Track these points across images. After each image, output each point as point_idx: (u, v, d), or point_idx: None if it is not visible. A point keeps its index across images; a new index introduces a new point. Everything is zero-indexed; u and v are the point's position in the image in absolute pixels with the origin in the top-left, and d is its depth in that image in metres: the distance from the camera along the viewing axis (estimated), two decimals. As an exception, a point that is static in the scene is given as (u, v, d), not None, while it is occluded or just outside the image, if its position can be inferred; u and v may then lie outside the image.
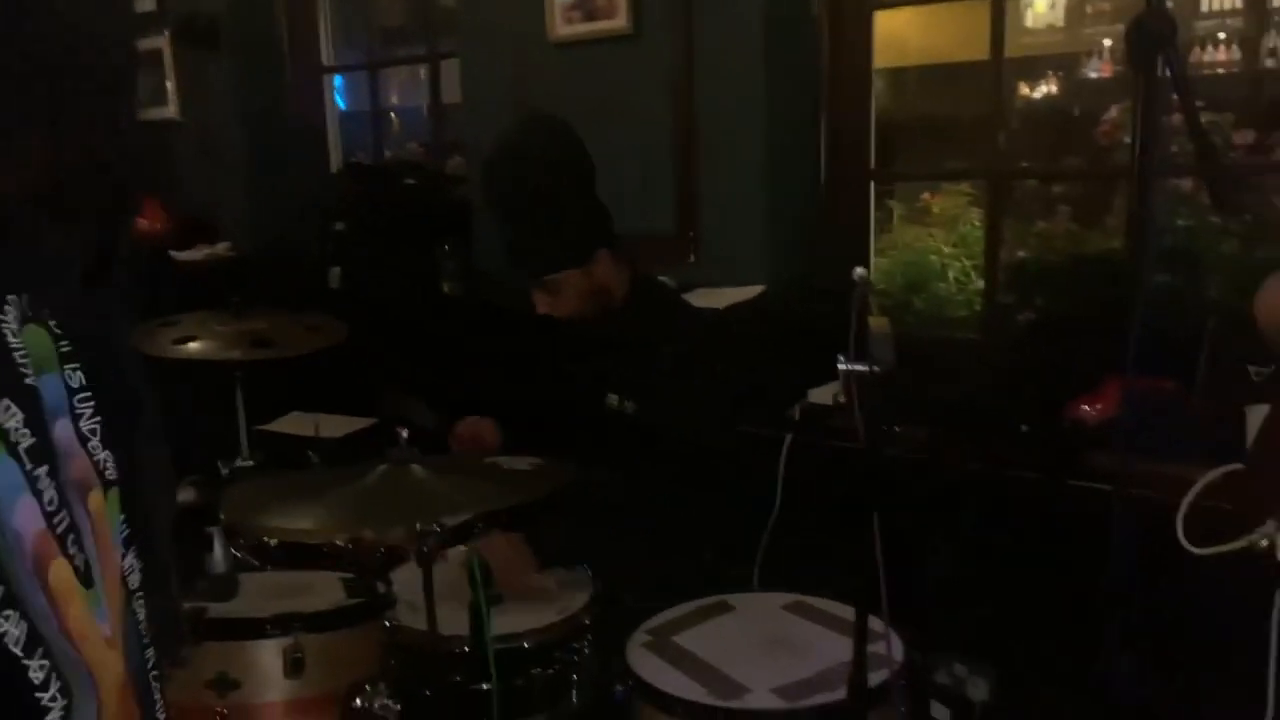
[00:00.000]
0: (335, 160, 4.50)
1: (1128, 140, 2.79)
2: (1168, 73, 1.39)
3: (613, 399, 2.05)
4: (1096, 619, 1.78)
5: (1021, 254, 3.06)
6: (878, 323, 1.32)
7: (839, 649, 1.65)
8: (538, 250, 1.99)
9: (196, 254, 4.44)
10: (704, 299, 2.81)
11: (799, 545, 2.52)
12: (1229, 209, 1.77)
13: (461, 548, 1.74)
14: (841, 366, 1.30)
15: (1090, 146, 3.01)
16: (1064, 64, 3.80)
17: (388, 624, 1.66)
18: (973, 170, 3.13)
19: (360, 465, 1.50)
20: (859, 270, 1.52)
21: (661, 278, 2.42)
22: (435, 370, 3.22)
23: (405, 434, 1.46)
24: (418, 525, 1.33)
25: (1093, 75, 3.89)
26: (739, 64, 2.92)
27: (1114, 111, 2.92)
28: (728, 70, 2.94)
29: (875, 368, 1.28)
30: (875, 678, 1.43)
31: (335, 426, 2.98)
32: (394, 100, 5.73)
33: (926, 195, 3.44)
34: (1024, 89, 3.79)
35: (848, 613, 1.76)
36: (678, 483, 1.95)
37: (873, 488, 1.29)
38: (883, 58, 3.01)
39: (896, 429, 2.38)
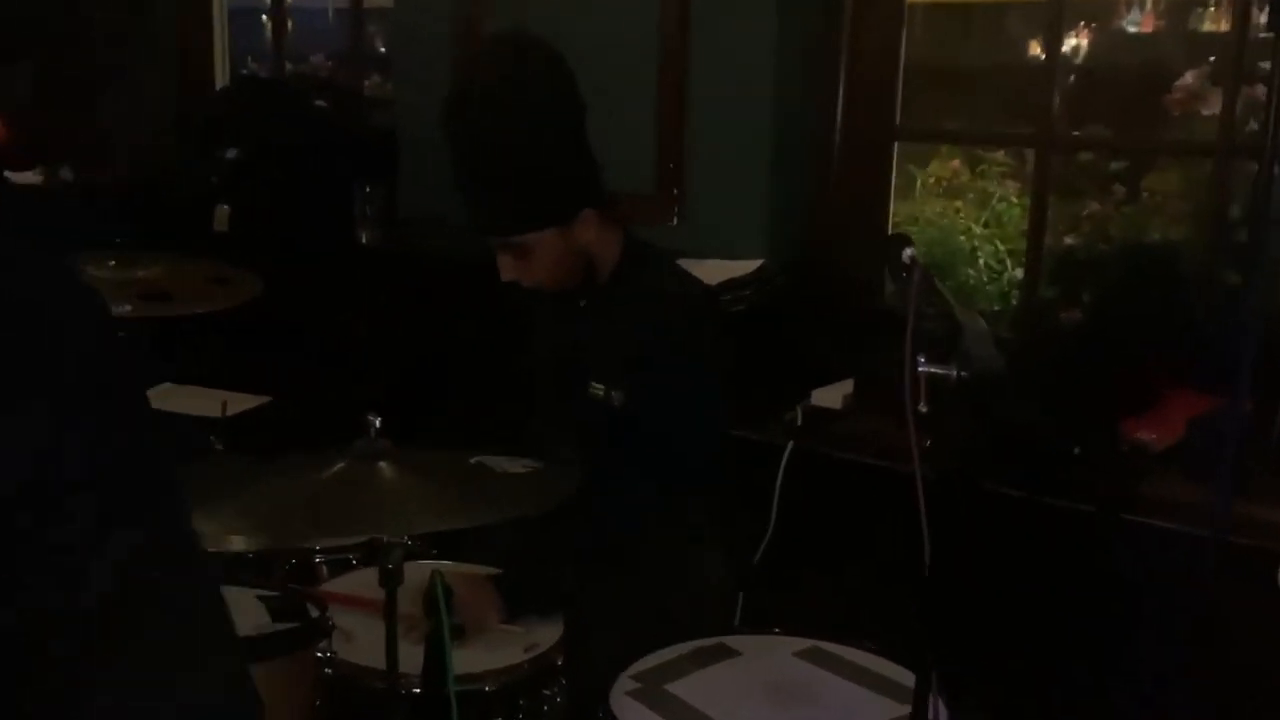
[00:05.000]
0: (221, 71, 4.36)
1: (1205, 113, 2.86)
2: None
3: (597, 388, 2.04)
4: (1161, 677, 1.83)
5: (1068, 240, 3.12)
6: (969, 316, 1.32)
7: (857, 702, 1.68)
8: (510, 206, 1.96)
9: (35, 177, 4.28)
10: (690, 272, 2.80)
11: (795, 572, 2.55)
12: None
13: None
14: (924, 369, 1.29)
15: (1158, 117, 3.08)
16: (1099, 12, 3.86)
17: (320, 655, 1.63)
18: (1018, 135, 3.17)
19: (315, 457, 1.46)
20: (908, 251, 1.53)
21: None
22: (354, 343, 3.17)
23: (378, 422, 1.42)
24: (384, 537, 1.30)
25: (1131, 29, 3.97)
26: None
27: (1189, 78, 2.98)
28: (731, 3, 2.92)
29: (965, 373, 1.27)
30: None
31: (215, 403, 2.90)
32: (289, -1, 5.57)
33: (955, 162, 3.48)
34: (1069, 40, 3.86)
35: (872, 662, 1.80)
36: (667, 495, 1.95)
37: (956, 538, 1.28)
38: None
39: (928, 443, 2.40)
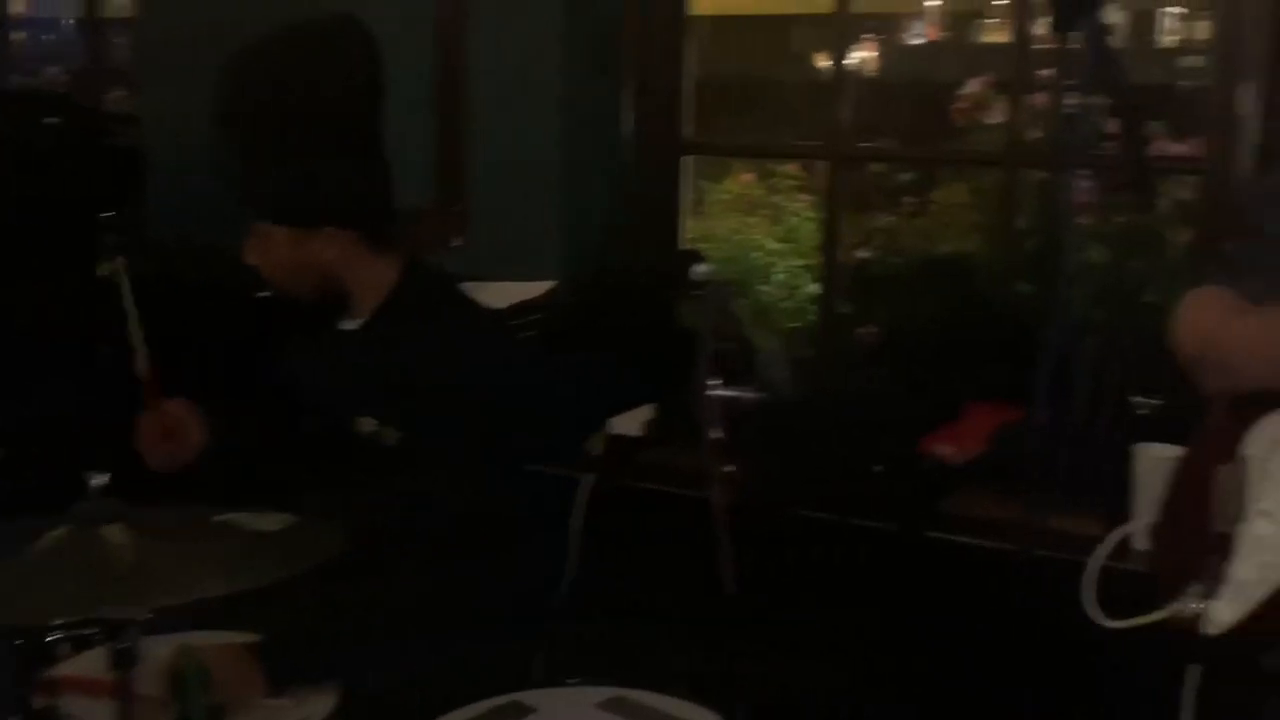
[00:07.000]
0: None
1: (989, 121, 2.98)
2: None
3: (368, 424, 1.96)
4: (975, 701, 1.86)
5: (860, 254, 3.20)
6: (763, 335, 1.31)
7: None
8: (246, 173, 1.96)
9: None
10: (478, 296, 2.75)
11: (600, 620, 2.50)
12: (1148, 204, 1.91)
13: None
14: (716, 393, 1.27)
15: (945, 129, 3.19)
16: (887, 26, 4.03)
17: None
18: (810, 148, 3.24)
19: (35, 523, 1.33)
20: (699, 268, 1.52)
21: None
22: (92, 388, 2.98)
23: (101, 480, 1.30)
24: (119, 613, 1.19)
25: (916, 41, 4.15)
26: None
27: (975, 86, 3.11)
28: (513, 5, 2.91)
29: (762, 395, 1.26)
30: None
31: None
32: (19, 7, 5.31)
33: (748, 176, 3.53)
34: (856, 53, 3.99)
35: (679, 708, 1.76)
36: (447, 539, 1.87)
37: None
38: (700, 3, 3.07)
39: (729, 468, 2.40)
